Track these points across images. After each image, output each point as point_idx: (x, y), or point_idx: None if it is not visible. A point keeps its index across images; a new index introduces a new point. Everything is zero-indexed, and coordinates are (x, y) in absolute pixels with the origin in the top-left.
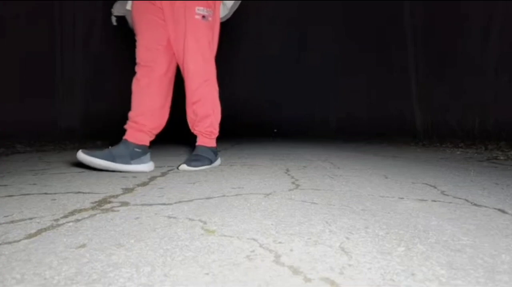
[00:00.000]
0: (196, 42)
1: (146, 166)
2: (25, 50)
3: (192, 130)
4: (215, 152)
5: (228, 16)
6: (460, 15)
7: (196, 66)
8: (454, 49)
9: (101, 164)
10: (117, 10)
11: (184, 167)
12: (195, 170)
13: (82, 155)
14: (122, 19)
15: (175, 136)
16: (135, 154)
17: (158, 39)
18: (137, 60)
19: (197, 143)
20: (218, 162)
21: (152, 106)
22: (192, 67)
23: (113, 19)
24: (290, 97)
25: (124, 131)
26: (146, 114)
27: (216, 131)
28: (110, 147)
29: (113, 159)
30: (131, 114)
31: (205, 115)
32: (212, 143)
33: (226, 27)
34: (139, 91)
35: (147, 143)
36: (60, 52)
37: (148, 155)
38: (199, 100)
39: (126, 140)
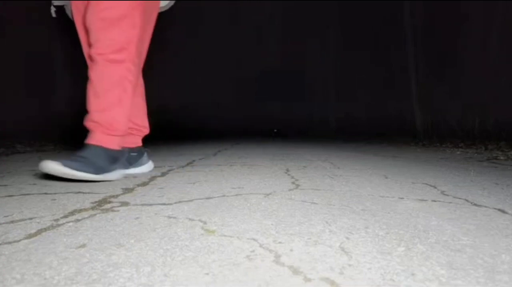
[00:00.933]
0: None
1: (145, 167)
2: (25, 50)
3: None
4: (113, 157)
5: (169, 6)
6: (460, 15)
7: (93, 26)
8: (454, 49)
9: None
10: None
11: (52, 165)
12: (66, 174)
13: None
14: (62, 10)
15: (173, 135)
16: (132, 158)
17: None
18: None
19: (87, 140)
20: (115, 174)
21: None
22: (88, 25)
23: (52, 10)
24: (290, 97)
25: None
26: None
27: (122, 127)
28: None
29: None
30: None
31: (107, 101)
32: (113, 143)
33: (230, 30)
34: None
35: (140, 144)
36: (60, 52)
37: (145, 156)
38: (96, 80)
39: None
